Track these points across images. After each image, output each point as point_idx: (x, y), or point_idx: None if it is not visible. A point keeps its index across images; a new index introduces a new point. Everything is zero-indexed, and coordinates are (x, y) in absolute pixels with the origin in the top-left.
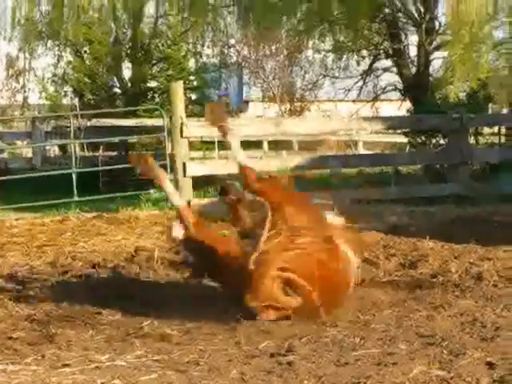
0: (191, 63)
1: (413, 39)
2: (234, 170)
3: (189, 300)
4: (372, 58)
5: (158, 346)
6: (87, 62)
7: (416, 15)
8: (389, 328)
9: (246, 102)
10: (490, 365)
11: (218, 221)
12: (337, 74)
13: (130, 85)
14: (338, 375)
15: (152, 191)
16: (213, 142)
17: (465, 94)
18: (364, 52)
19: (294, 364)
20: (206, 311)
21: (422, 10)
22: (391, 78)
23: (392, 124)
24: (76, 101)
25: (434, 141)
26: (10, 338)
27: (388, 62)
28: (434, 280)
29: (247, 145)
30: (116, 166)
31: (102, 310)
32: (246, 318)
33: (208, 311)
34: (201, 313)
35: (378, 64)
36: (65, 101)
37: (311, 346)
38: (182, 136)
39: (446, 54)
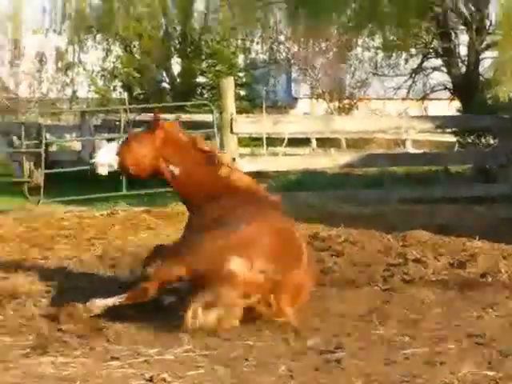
0: (240, 59)
1: (463, 38)
2: (283, 166)
3: None
4: (422, 56)
5: (205, 340)
6: (136, 56)
7: (466, 14)
8: (438, 327)
9: (295, 99)
10: None
11: None
12: (386, 72)
13: (179, 80)
14: (387, 374)
15: None
16: (260, 139)
17: None
18: (413, 50)
19: (343, 361)
20: None
21: (473, 8)
22: (440, 76)
23: (441, 123)
24: (125, 95)
25: (483, 140)
26: (60, 330)
27: (438, 61)
28: (483, 280)
29: (295, 142)
30: None
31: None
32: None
33: None
34: None
35: (427, 63)
36: (114, 95)
37: (360, 344)
38: (231, 132)
39: (496, 53)
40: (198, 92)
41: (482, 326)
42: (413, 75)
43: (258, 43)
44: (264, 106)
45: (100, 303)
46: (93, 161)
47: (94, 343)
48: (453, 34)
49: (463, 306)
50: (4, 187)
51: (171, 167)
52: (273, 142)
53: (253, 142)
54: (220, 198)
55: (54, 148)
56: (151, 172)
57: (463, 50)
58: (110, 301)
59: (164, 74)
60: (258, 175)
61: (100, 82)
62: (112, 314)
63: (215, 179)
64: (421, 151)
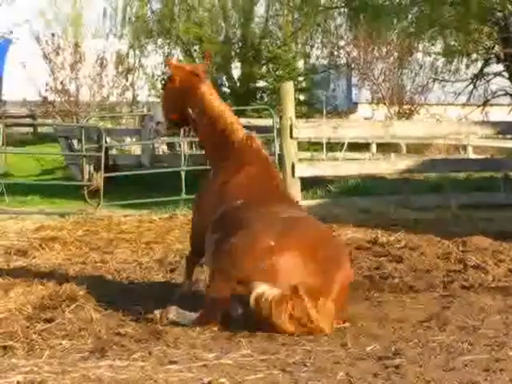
0: (300, 64)
1: None
2: (342, 171)
3: None
4: (483, 61)
5: (263, 345)
6: (197, 60)
7: None
8: (497, 334)
9: (355, 104)
10: None
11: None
12: (447, 78)
13: (238, 84)
14: (446, 380)
15: None
16: (320, 144)
17: None
18: (474, 56)
19: (401, 367)
20: None
21: None
22: (502, 82)
23: (502, 129)
24: None
25: None
26: (118, 333)
27: (499, 67)
28: None
29: (355, 147)
30: None
31: None
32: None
33: None
34: None
35: (488, 68)
36: None
37: (418, 350)
38: (291, 136)
39: None
40: (258, 96)
41: None
42: (474, 80)
43: (318, 48)
44: (324, 111)
45: (175, 314)
46: (156, 124)
47: (153, 347)
48: None
49: None
50: (64, 190)
51: (189, 110)
52: (333, 146)
53: (312, 146)
54: (231, 159)
55: (113, 152)
56: (183, 117)
57: None
58: (184, 317)
59: (224, 78)
60: (317, 180)
61: (160, 86)
62: None
63: (228, 135)
64: (481, 157)
